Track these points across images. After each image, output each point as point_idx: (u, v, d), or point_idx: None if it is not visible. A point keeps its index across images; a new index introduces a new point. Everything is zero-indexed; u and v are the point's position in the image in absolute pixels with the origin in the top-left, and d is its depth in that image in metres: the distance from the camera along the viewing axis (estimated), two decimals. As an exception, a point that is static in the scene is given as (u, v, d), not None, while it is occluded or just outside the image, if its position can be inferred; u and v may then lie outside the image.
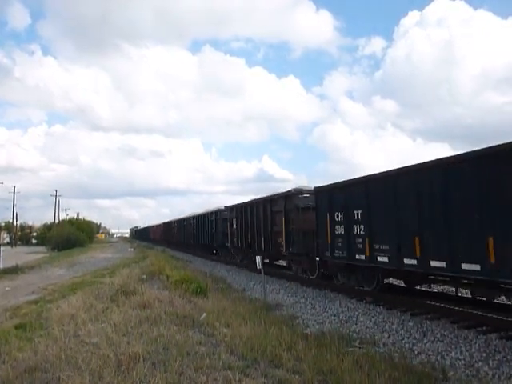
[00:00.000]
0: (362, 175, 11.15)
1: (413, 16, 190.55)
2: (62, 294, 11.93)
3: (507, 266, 6.76)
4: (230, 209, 23.09)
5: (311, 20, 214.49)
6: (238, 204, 21.82)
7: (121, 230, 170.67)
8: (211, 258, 27.69)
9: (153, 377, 4.86)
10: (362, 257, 10.68)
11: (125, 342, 6.29)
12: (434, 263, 8.38)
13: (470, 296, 9.37)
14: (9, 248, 55.34)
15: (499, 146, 7.12)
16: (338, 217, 11.77)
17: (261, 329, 7.24)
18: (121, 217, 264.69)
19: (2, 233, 79.33)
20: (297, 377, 5.06)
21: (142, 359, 5.45)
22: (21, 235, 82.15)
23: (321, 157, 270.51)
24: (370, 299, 10.70)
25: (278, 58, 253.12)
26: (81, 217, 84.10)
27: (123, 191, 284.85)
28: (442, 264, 8.20)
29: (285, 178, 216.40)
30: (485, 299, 8.79)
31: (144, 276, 14.89)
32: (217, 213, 26.53)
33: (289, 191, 15.56)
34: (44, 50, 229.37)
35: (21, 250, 53.26)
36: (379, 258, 10.09)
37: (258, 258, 12.31)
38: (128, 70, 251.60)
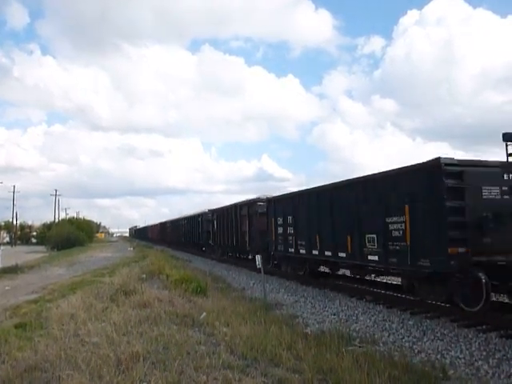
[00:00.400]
0: (292, 191, 15.75)
1: (412, 15, 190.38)
2: (61, 294, 11.92)
3: (356, 254, 10.78)
4: (212, 212, 26.90)
5: (310, 19, 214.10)
6: (218, 208, 25.56)
7: (120, 230, 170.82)
8: (211, 257, 27.74)
9: (153, 376, 4.86)
10: (292, 250, 14.50)
11: (125, 341, 6.29)
12: (326, 253, 12.27)
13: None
14: (8, 247, 55.28)
15: (344, 180, 11.87)
16: (279, 221, 15.60)
17: (261, 328, 7.24)
18: (121, 216, 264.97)
19: (1, 232, 79.28)
20: (297, 376, 5.06)
21: (141, 358, 5.46)
22: (20, 235, 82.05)
23: (320, 156, 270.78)
24: (370, 298, 10.73)
25: (277, 57, 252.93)
26: (81, 216, 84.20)
27: (123, 191, 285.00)
28: (330, 253, 12.07)
29: (284, 177, 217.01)
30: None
31: (144, 275, 14.88)
32: (202, 215, 29.80)
33: (251, 200, 19.78)
34: (43, 50, 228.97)
35: (20, 249, 53.23)
36: (301, 251, 13.90)
37: (258, 257, 12.31)
38: (127, 70, 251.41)
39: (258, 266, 12.35)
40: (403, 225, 9.04)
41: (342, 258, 11.59)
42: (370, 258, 10.22)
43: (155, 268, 16.41)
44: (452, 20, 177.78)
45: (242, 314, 8.58)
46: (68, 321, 7.96)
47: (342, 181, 12.06)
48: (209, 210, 28.21)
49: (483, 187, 8.31)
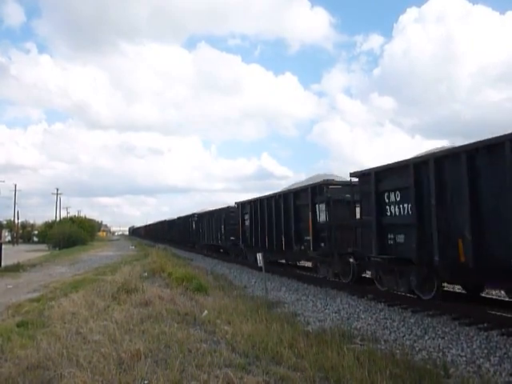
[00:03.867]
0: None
1: (411, 13, 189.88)
2: (63, 292, 11.94)
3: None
4: (199, 214, 31.58)
5: (307, 17, 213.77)
6: (205, 211, 30.17)
7: (122, 228, 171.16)
8: (212, 255, 27.83)
9: (154, 374, 4.87)
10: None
11: (126, 339, 6.30)
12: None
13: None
14: (10, 246, 55.39)
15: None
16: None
17: (262, 326, 7.25)
18: (122, 215, 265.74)
19: (3, 231, 79.25)
20: (298, 374, 5.07)
21: (143, 357, 5.47)
22: (22, 233, 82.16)
23: (321, 154, 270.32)
24: (372, 296, 10.74)
25: (274, 55, 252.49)
26: (82, 215, 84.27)
27: (124, 189, 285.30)
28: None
29: (284, 175, 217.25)
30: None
31: (145, 274, 14.93)
32: (192, 216, 34.31)
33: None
34: (40, 48, 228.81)
35: (22, 248, 53.34)
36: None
37: (259, 256, 12.33)
38: (125, 68, 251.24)
39: (259, 265, 12.38)
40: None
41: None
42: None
43: (157, 266, 16.44)
44: (451, 17, 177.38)
45: (243, 312, 8.60)
46: (70, 319, 7.99)
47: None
48: (197, 213, 33.20)
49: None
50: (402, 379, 5.03)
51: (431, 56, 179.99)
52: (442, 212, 8.09)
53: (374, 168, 10.04)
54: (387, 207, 9.55)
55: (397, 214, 9.28)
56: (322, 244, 12.71)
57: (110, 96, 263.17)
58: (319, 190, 12.81)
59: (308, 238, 13.40)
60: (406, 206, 9.05)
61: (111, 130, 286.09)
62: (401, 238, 9.17)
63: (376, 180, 9.84)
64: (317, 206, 12.94)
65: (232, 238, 22.71)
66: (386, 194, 9.58)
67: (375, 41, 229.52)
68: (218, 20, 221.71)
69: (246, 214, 19.47)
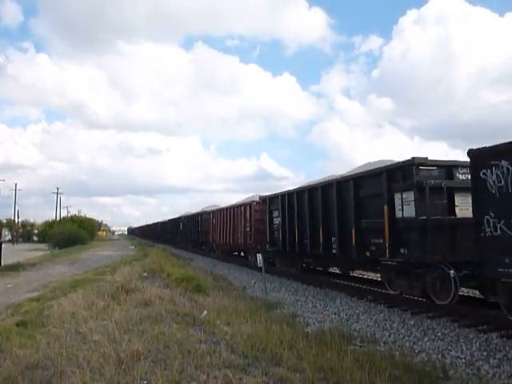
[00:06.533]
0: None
1: (411, 14, 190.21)
2: (63, 292, 11.92)
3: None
4: (162, 222, 37.18)
5: (305, 17, 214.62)
6: (205, 211, 31.09)
7: (122, 228, 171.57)
8: (212, 256, 27.83)
9: (153, 374, 4.86)
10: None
11: (126, 339, 6.29)
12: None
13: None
14: (10, 245, 55.37)
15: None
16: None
17: (261, 327, 7.25)
18: (122, 214, 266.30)
19: (3, 230, 79.27)
20: (297, 375, 5.06)
21: (142, 357, 5.46)
22: (22, 232, 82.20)
23: (319, 155, 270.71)
24: (371, 297, 10.73)
25: (272, 55, 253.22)
26: (82, 214, 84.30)
27: (123, 189, 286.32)
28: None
29: (283, 175, 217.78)
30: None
31: (145, 274, 14.90)
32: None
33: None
34: (37, 48, 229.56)
35: (22, 247, 53.31)
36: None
37: (259, 256, 12.33)
38: (122, 67, 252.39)
39: (258, 265, 12.38)
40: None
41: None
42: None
43: (156, 266, 16.41)
44: (450, 18, 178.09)
45: (242, 312, 8.59)
46: (69, 319, 7.97)
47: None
48: (202, 212, 34.12)
49: None
50: (402, 381, 5.03)
51: (430, 57, 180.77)
52: None
53: None
54: None
55: None
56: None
57: (107, 95, 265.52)
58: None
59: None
60: None
61: (110, 130, 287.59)
62: None
63: None
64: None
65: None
66: None
67: (374, 42, 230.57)
68: (215, 20, 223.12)
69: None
